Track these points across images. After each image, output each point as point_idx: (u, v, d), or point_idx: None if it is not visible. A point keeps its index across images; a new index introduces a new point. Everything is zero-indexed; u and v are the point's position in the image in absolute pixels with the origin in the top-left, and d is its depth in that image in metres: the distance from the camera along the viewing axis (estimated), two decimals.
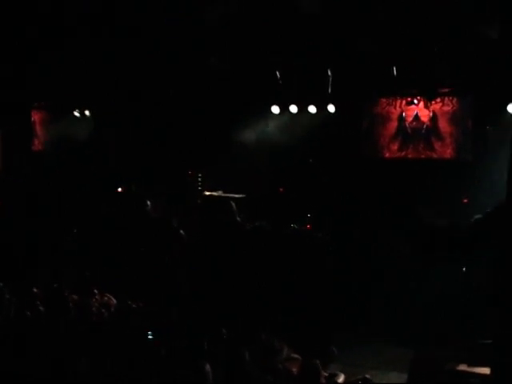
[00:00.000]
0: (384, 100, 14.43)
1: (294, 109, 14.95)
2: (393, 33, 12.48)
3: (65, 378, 6.61)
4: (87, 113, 17.37)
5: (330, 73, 13.94)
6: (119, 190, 16.25)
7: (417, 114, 14.08)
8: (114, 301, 9.98)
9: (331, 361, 9.68)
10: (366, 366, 10.36)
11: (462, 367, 9.44)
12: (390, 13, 12.53)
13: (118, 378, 6.81)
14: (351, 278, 12.52)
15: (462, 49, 12.23)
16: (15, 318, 8.63)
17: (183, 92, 15.26)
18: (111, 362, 7.20)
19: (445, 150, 13.87)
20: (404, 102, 14.21)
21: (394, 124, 14.38)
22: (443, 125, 13.82)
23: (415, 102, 14.05)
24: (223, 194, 15.33)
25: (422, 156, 14.12)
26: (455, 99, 13.65)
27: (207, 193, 15.74)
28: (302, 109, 14.86)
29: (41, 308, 8.96)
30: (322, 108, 14.56)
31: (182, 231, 12.30)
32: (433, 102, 13.85)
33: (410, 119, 14.17)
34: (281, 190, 15.61)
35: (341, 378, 8.31)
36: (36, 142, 18.30)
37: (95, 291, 10.38)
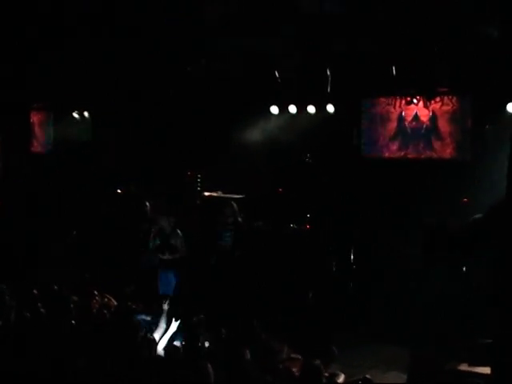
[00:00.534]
0: (383, 100, 14.41)
1: (293, 109, 14.94)
2: (392, 32, 12.48)
3: (65, 379, 6.60)
4: (86, 114, 17.35)
5: (328, 73, 13.92)
6: (118, 191, 16.24)
7: (416, 113, 14.07)
8: (114, 302, 9.99)
9: (331, 361, 9.66)
10: (366, 365, 10.35)
11: (463, 367, 9.45)
12: (390, 12, 12.53)
13: (118, 378, 6.81)
14: (351, 278, 12.52)
15: (462, 48, 12.23)
16: (16, 319, 8.62)
17: (182, 93, 15.25)
18: (111, 363, 7.20)
19: (444, 150, 13.85)
20: (403, 101, 14.19)
21: (393, 124, 14.36)
22: (443, 124, 13.80)
23: (415, 101, 14.03)
24: (222, 195, 15.34)
25: (422, 156, 14.11)
26: (455, 99, 13.63)
27: (206, 193, 15.74)
28: (301, 109, 14.84)
29: (42, 310, 8.97)
30: (321, 108, 14.55)
31: (178, 230, 12.29)
32: (432, 102, 13.82)
33: (410, 119, 14.16)
34: (280, 190, 15.59)
35: (341, 378, 8.30)
36: (35, 143, 18.30)
37: (95, 292, 10.39)
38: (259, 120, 15.22)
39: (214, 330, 8.84)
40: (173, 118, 15.73)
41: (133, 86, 15.44)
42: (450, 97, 13.65)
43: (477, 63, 12.16)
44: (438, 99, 13.76)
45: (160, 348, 8.09)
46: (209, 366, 6.77)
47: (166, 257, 12.25)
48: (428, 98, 13.82)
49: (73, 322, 8.83)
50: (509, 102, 12.66)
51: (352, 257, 13.01)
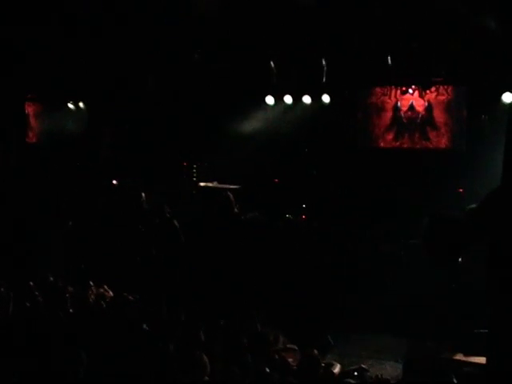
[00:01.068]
0: (379, 90, 14.41)
1: (288, 99, 14.93)
2: (388, 23, 12.46)
3: (64, 369, 6.62)
4: (81, 105, 17.32)
5: (324, 63, 13.90)
6: (114, 182, 16.23)
7: (412, 103, 14.08)
8: (111, 293, 10.00)
9: (327, 351, 9.71)
10: (362, 355, 10.39)
11: (458, 356, 9.48)
12: (386, 3, 12.50)
13: (114, 368, 6.82)
14: (347, 268, 12.53)
15: (457, 39, 12.21)
16: (14, 310, 8.64)
17: (178, 84, 15.22)
18: (108, 354, 7.21)
19: (440, 140, 13.88)
20: (399, 91, 14.20)
21: (388, 114, 14.38)
22: (438, 114, 13.82)
23: (410, 91, 14.03)
24: (218, 185, 15.33)
25: (418, 146, 14.13)
26: (450, 89, 13.65)
27: (202, 184, 15.73)
28: (297, 99, 14.84)
29: (39, 299, 8.98)
30: (316, 98, 14.54)
31: (175, 221, 12.28)
32: (428, 92, 13.84)
33: (405, 109, 14.17)
34: (276, 180, 15.60)
35: (337, 368, 8.33)
36: (30, 133, 18.28)
37: (91, 283, 10.40)
38: (255, 110, 15.21)
39: (211, 321, 8.85)
40: (168, 110, 15.71)
41: (128, 77, 15.41)
42: (446, 87, 13.67)
43: (472, 53, 12.16)
44: (433, 89, 13.77)
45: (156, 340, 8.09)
46: (204, 356, 6.79)
47: None
48: (423, 87, 13.83)
49: (70, 310, 8.86)
50: (504, 92, 12.66)
51: (348, 247, 13.01)
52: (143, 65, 15.01)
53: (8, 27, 14.18)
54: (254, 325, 9.04)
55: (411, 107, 14.09)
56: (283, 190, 14.97)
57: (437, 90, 13.77)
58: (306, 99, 14.72)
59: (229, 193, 12.16)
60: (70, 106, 17.32)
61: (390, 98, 14.33)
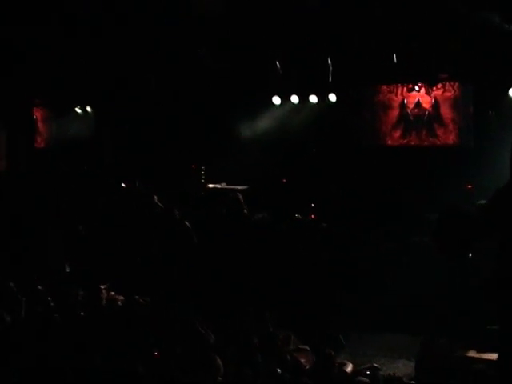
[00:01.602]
0: (385, 87, 14.41)
1: (295, 99, 14.93)
2: (393, 20, 12.43)
3: (77, 373, 6.63)
4: (89, 109, 17.36)
5: (330, 62, 13.89)
6: (123, 185, 16.26)
7: (418, 100, 14.07)
8: (121, 296, 10.02)
9: (339, 351, 9.71)
10: (374, 354, 10.37)
11: (471, 353, 9.46)
12: (390, 1, 12.49)
13: (127, 370, 6.84)
14: (357, 267, 12.51)
15: (463, 35, 12.19)
16: (26, 314, 8.66)
17: (184, 86, 15.23)
18: (120, 355, 7.24)
19: (447, 137, 13.86)
20: (405, 88, 14.19)
21: (395, 111, 14.37)
22: (445, 111, 13.80)
23: (416, 88, 14.03)
24: (227, 186, 15.35)
25: (425, 143, 14.12)
26: (456, 85, 13.64)
27: (211, 185, 15.75)
28: (303, 99, 14.83)
29: (52, 304, 9.00)
30: (323, 98, 14.54)
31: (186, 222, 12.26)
32: (434, 89, 13.83)
33: (412, 106, 14.16)
34: (284, 180, 15.60)
35: (349, 368, 8.34)
36: (38, 139, 18.33)
37: (101, 287, 10.42)
38: (262, 111, 15.22)
39: (223, 322, 8.87)
40: (175, 112, 15.73)
41: (134, 80, 15.44)
42: (452, 83, 13.65)
43: (478, 49, 12.13)
44: (439, 86, 13.76)
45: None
46: (218, 358, 6.80)
47: None
48: (430, 84, 13.81)
49: (82, 313, 8.88)
50: (511, 87, 12.64)
51: (356, 245, 12.99)
52: (149, 67, 15.02)
53: (14, 32, 14.21)
54: (265, 325, 9.05)
55: (418, 104, 14.08)
56: (291, 190, 14.97)
57: (443, 86, 13.75)
58: (313, 99, 14.72)
59: (238, 194, 12.16)
60: (78, 110, 17.36)
61: (396, 95, 14.32)
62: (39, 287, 9.79)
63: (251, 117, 15.27)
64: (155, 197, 12.76)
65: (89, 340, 7.56)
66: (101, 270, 12.20)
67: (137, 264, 12.20)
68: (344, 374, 7.82)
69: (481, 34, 11.96)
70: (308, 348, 8.97)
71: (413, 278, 11.92)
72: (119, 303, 9.67)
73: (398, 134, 14.42)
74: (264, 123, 15.23)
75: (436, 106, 13.92)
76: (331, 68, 13.94)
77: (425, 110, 14.04)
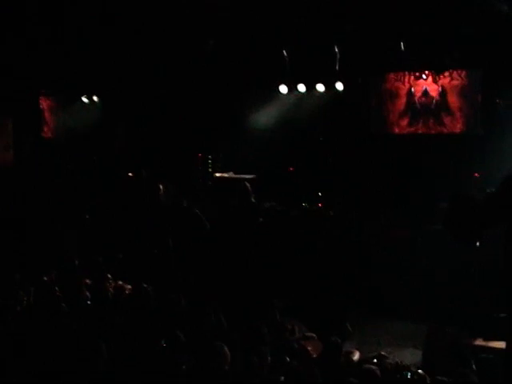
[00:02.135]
0: (392, 76, 14.37)
1: (302, 88, 14.91)
2: (401, 7, 12.38)
3: (84, 362, 6.66)
4: (95, 98, 17.36)
5: (337, 50, 13.86)
6: (130, 174, 16.28)
7: (426, 89, 14.03)
8: (128, 286, 10.03)
9: (346, 339, 9.71)
10: (381, 342, 10.38)
11: (478, 342, 9.47)
12: None
13: (134, 360, 6.85)
14: (365, 255, 12.52)
15: (471, 23, 12.14)
16: (35, 304, 8.69)
17: (192, 75, 15.22)
18: (127, 344, 7.25)
19: (455, 125, 13.82)
20: (412, 77, 14.15)
21: (402, 100, 14.34)
22: (452, 99, 13.76)
23: (424, 76, 13.98)
24: (234, 175, 15.34)
25: (432, 131, 14.09)
26: (464, 73, 13.59)
27: (218, 174, 15.75)
28: (310, 87, 14.81)
29: (58, 293, 9.02)
30: (330, 86, 14.51)
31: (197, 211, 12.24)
32: (441, 77, 13.79)
33: (419, 94, 14.12)
34: (291, 169, 15.59)
35: (356, 356, 8.34)
36: (45, 128, 18.34)
37: (109, 276, 10.44)
38: (268, 100, 15.20)
39: (230, 310, 8.88)
40: (182, 101, 15.72)
41: (141, 69, 15.42)
42: (459, 71, 13.61)
43: (486, 37, 12.08)
44: (447, 74, 13.72)
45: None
46: (225, 347, 6.81)
47: None
48: (437, 72, 13.77)
49: (88, 302, 8.90)
50: None
51: (364, 233, 13.00)
52: (157, 56, 15.00)
53: (22, 22, 14.20)
54: (273, 313, 9.06)
55: (425, 92, 14.04)
56: (298, 179, 14.96)
57: (450, 74, 13.71)
58: (320, 87, 14.69)
59: (246, 182, 12.15)
60: (84, 100, 17.36)
61: (403, 83, 14.29)
62: (45, 278, 9.82)
63: (258, 106, 15.26)
64: (161, 187, 12.75)
65: (95, 329, 7.58)
66: (108, 258, 12.23)
67: (145, 252, 12.21)
68: (351, 362, 7.83)
69: (489, 23, 11.91)
70: (315, 336, 8.98)
71: (421, 266, 11.94)
72: (126, 292, 9.70)
73: (405, 122, 14.39)
74: (271, 112, 15.22)
75: (443, 94, 13.87)
76: (338, 56, 13.92)
77: (432, 98, 14.00)
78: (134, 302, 8.86)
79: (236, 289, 10.70)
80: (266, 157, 15.04)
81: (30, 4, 13.91)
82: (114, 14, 13.86)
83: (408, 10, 12.40)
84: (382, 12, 12.68)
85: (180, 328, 7.70)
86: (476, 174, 12.84)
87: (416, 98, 14.18)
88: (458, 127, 13.83)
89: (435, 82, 13.91)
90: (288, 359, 7.27)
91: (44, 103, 18.19)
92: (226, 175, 15.60)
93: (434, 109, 14.02)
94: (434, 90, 13.96)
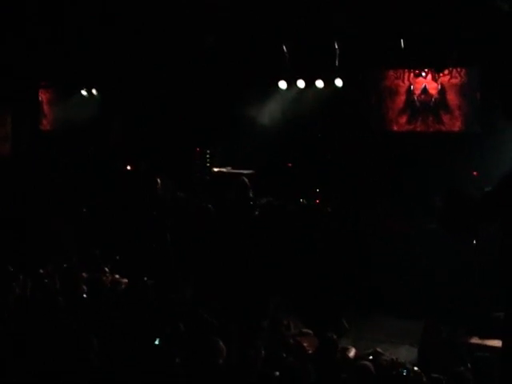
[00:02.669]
0: (392, 73, 14.36)
1: (301, 84, 14.89)
2: (401, 4, 12.38)
3: (78, 356, 6.66)
4: (94, 91, 17.34)
5: (336, 46, 13.86)
6: (128, 167, 16.27)
7: (425, 86, 14.02)
8: (125, 279, 10.05)
9: (342, 335, 9.72)
10: (377, 339, 10.38)
11: (474, 340, 9.48)
12: None
13: (128, 353, 6.86)
14: (362, 251, 12.53)
15: (470, 21, 12.13)
16: (30, 296, 8.70)
17: (190, 69, 15.20)
18: (121, 338, 7.26)
19: (454, 123, 13.82)
20: (412, 74, 14.15)
21: (402, 97, 14.33)
22: (452, 97, 13.76)
23: (423, 74, 13.98)
24: (232, 170, 15.34)
25: (431, 129, 14.08)
26: (463, 71, 13.59)
27: (216, 169, 15.75)
28: (310, 83, 14.79)
29: (55, 286, 9.03)
30: (329, 82, 14.50)
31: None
32: (441, 75, 13.78)
33: (419, 92, 14.12)
34: (289, 165, 15.59)
35: (352, 352, 8.35)
36: (44, 121, 18.32)
37: (106, 269, 10.45)
38: (268, 95, 15.18)
39: (227, 307, 8.89)
40: (181, 95, 15.70)
41: (140, 63, 15.40)
42: (459, 69, 13.60)
43: (485, 36, 12.08)
44: (446, 72, 13.72)
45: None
46: (220, 342, 6.81)
47: None
48: (437, 70, 13.77)
49: (84, 295, 8.90)
50: None
51: (361, 231, 13.01)
52: (157, 51, 14.98)
53: (21, 15, 14.18)
54: (269, 309, 9.08)
55: (424, 90, 14.04)
56: (296, 175, 14.96)
57: (450, 73, 13.70)
58: (319, 83, 14.68)
59: (244, 178, 12.14)
60: (83, 92, 17.34)
61: (403, 81, 14.28)
62: (41, 270, 9.83)
63: (257, 101, 15.22)
64: (158, 181, 12.74)
65: (88, 322, 7.58)
66: (105, 252, 12.24)
67: (142, 246, 12.21)
68: (347, 359, 7.83)
69: (489, 21, 11.90)
70: (311, 332, 8.99)
71: (418, 263, 11.95)
72: (122, 286, 9.71)
73: (404, 119, 14.39)
74: (270, 107, 15.19)
75: (442, 92, 13.87)
76: (338, 53, 13.92)
77: (431, 96, 14.00)
78: (129, 295, 8.87)
79: (233, 284, 10.70)
80: (265, 152, 15.03)
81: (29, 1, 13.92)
82: (113, 13, 13.86)
83: (408, 7, 12.40)
84: (382, 9, 12.68)
85: (177, 322, 7.71)
86: (474, 173, 12.85)
87: (415, 96, 14.18)
88: (456, 125, 13.82)
89: (435, 79, 13.91)
90: (284, 355, 7.27)
91: (43, 96, 18.16)
92: (223, 170, 15.60)
93: (433, 107, 14.02)
94: (433, 87, 13.96)
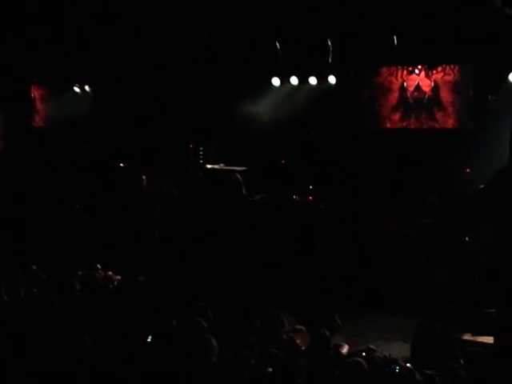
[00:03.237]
0: (385, 70, 14.38)
1: (294, 80, 14.90)
2: (393, 1, 12.38)
3: (71, 354, 6.64)
4: (87, 88, 17.30)
5: (330, 43, 13.86)
6: (121, 165, 16.25)
7: (418, 83, 14.04)
8: (118, 276, 10.04)
9: (335, 332, 9.73)
10: (370, 336, 10.40)
11: (466, 336, 9.51)
12: None
13: (120, 352, 6.85)
14: (353, 249, 12.54)
15: (464, 18, 12.14)
16: (25, 295, 8.67)
17: (183, 66, 15.19)
18: (114, 335, 7.25)
19: (447, 120, 13.84)
20: (405, 71, 14.16)
21: (395, 94, 14.34)
22: (445, 94, 13.78)
23: (416, 71, 13.99)
24: (225, 167, 15.33)
25: (424, 126, 14.10)
26: (456, 68, 13.60)
27: (209, 166, 15.74)
28: (303, 80, 14.80)
29: (47, 283, 9.01)
30: (322, 79, 14.50)
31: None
32: (434, 72, 13.80)
33: (412, 89, 14.13)
34: (282, 162, 15.60)
35: (345, 349, 8.36)
36: (36, 118, 18.26)
37: (98, 266, 10.43)
38: (261, 92, 15.17)
39: (219, 305, 8.88)
40: (174, 92, 15.68)
41: (133, 60, 15.37)
42: (452, 67, 13.63)
43: (479, 33, 12.09)
44: (439, 69, 13.74)
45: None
46: (213, 339, 6.81)
47: None
48: (430, 67, 13.78)
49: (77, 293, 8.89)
50: (511, 71, 12.60)
51: (355, 228, 13.01)
52: (150, 48, 14.94)
53: (13, 10, 14.12)
54: (262, 305, 9.08)
55: (418, 87, 14.06)
56: (290, 172, 14.96)
57: (443, 70, 13.72)
58: (312, 80, 14.68)
59: (237, 174, 12.14)
60: (76, 89, 17.30)
61: (396, 78, 14.30)
62: (34, 267, 9.80)
63: (250, 98, 15.20)
64: (143, 177, 12.70)
65: (81, 320, 7.56)
66: (99, 249, 12.22)
67: (134, 244, 12.20)
68: (340, 355, 7.84)
69: (481, 18, 11.90)
70: (304, 329, 8.99)
71: (410, 260, 11.97)
72: (115, 283, 9.70)
73: (397, 116, 14.41)
74: (263, 104, 15.18)
75: (436, 89, 13.89)
76: (331, 50, 13.92)
77: (424, 93, 14.01)
78: (121, 292, 8.86)
79: (228, 281, 10.71)
80: (258, 149, 15.02)
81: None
82: (110, 11, 13.81)
83: (401, 4, 12.39)
84: (375, 7, 12.67)
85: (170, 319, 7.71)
86: (467, 170, 12.87)
87: (408, 93, 14.19)
88: (449, 122, 13.85)
89: (428, 76, 13.93)
90: (275, 351, 7.27)
91: (35, 92, 18.09)
92: (217, 167, 15.59)
93: (426, 104, 14.04)
94: (426, 84, 13.98)
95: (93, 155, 16.83)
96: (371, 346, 8.61)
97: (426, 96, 13.98)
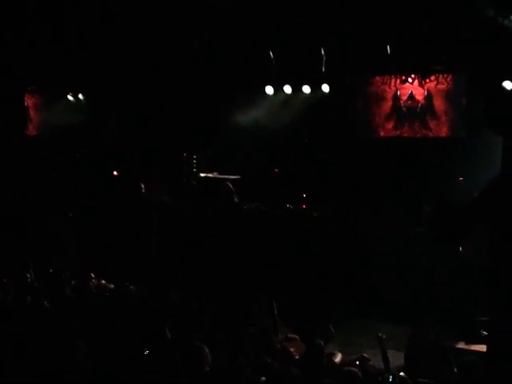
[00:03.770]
0: (378, 79, 14.39)
1: (288, 89, 14.91)
2: (387, 10, 12.41)
3: (65, 360, 6.63)
4: (81, 96, 17.29)
5: (323, 52, 13.88)
6: (115, 173, 16.23)
7: (411, 92, 14.06)
8: (111, 285, 10.03)
9: (328, 340, 9.71)
10: (363, 344, 10.39)
11: (460, 345, 9.51)
12: None
13: (114, 359, 6.83)
14: (347, 257, 12.55)
15: (457, 27, 12.17)
16: (15, 300, 8.66)
17: (177, 74, 15.19)
18: (108, 343, 7.23)
19: (440, 129, 13.85)
20: (398, 80, 14.18)
21: (388, 103, 14.35)
22: (438, 103, 13.80)
23: (410, 80, 14.01)
24: (218, 176, 15.33)
25: (418, 135, 14.11)
26: (450, 77, 13.63)
27: (202, 174, 15.73)
28: (296, 89, 14.81)
29: (40, 290, 9.01)
30: (316, 88, 14.52)
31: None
32: (427, 81, 13.82)
33: (405, 98, 14.15)
34: (276, 170, 15.60)
35: (338, 358, 8.35)
36: (30, 126, 18.25)
37: (92, 275, 10.42)
38: (254, 100, 15.18)
39: (213, 313, 8.87)
40: (167, 100, 15.68)
41: (126, 68, 15.37)
42: (445, 76, 13.64)
43: (472, 41, 12.12)
44: (433, 78, 13.75)
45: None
46: (205, 348, 6.79)
47: None
48: (423, 76, 13.81)
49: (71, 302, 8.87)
50: (504, 80, 12.63)
51: (349, 236, 13.03)
52: (143, 56, 14.94)
53: (8, 19, 14.12)
54: (256, 314, 9.07)
55: (411, 96, 14.07)
56: (283, 180, 14.97)
57: (436, 79, 13.74)
58: (306, 89, 14.70)
59: (228, 183, 12.15)
60: (70, 97, 17.29)
61: (389, 87, 14.31)
62: (27, 274, 9.80)
63: (244, 106, 15.22)
64: (142, 186, 12.72)
65: (74, 327, 7.55)
66: (92, 258, 12.21)
67: (128, 252, 12.19)
68: (333, 364, 7.83)
69: (474, 27, 11.95)
70: (298, 337, 8.98)
71: (403, 268, 11.98)
72: (108, 291, 9.68)
73: (390, 125, 14.41)
74: (257, 113, 15.18)
75: (429, 98, 13.91)
76: (325, 58, 13.94)
77: (418, 102, 14.03)
78: (114, 300, 8.85)
79: (222, 289, 10.69)
80: (251, 158, 15.03)
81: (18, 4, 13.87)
82: (110, 14, 13.82)
83: (394, 14, 12.43)
84: (369, 16, 12.70)
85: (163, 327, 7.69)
86: (460, 178, 12.88)
87: (402, 102, 14.21)
88: (443, 131, 13.86)
89: (421, 85, 13.94)
90: (269, 360, 7.26)
91: (29, 100, 18.09)
92: (210, 175, 15.58)
93: (419, 112, 14.05)
94: (419, 93, 13.99)
95: (87, 162, 16.81)
96: (365, 355, 8.61)
97: (420, 105, 14.00)
